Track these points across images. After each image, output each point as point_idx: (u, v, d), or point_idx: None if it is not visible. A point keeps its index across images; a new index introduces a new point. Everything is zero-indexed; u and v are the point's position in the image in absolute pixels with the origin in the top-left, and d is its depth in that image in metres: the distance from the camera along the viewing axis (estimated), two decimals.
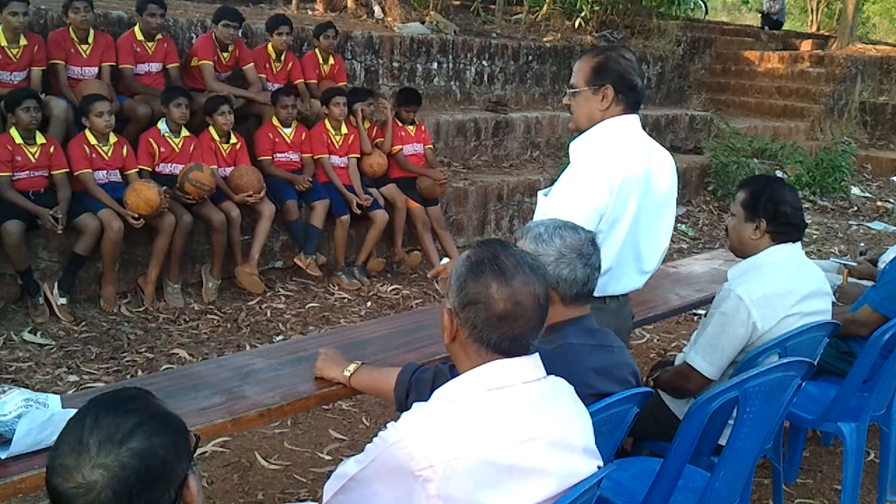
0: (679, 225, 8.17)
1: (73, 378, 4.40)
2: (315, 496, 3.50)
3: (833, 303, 3.11)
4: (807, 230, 4.93)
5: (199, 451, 1.45)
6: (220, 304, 5.58)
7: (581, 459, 1.73)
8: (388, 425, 1.65)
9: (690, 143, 10.18)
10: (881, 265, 4.54)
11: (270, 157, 6.13)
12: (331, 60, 7.06)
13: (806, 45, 14.97)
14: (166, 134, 5.59)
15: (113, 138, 5.33)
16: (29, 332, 4.82)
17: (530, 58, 9.89)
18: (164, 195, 5.17)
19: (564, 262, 2.19)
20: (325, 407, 4.19)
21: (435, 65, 8.82)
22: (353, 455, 3.81)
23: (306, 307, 5.71)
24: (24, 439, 1.98)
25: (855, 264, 4.72)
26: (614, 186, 2.63)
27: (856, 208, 9.77)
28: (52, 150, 5.10)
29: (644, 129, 2.87)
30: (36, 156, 5.03)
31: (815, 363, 2.68)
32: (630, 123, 2.78)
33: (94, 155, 5.24)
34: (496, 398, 1.66)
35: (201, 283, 5.69)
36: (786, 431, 3.55)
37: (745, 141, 10.01)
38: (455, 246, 6.71)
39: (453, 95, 9.07)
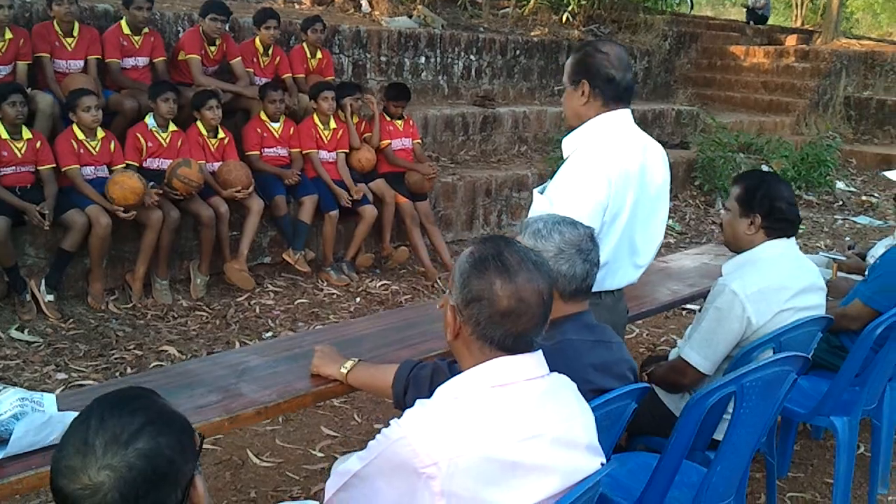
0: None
1: (61, 376, 4.36)
2: (308, 493, 3.50)
3: None
4: None
5: None
6: (208, 301, 5.55)
7: (584, 457, 1.72)
8: (391, 422, 1.64)
9: (677, 137, 10.20)
10: (870, 259, 4.56)
11: (258, 152, 6.10)
12: (318, 55, 7.02)
13: (791, 40, 15.05)
14: (154, 129, 5.54)
15: (100, 133, 5.28)
16: (16, 329, 4.78)
17: (518, 52, 9.88)
18: (145, 182, 5.14)
19: (563, 257, 2.19)
20: (317, 403, 4.17)
21: (423, 59, 8.79)
22: (345, 451, 3.81)
23: (295, 303, 5.69)
24: (22, 440, 1.96)
25: (844, 258, 4.75)
26: (613, 182, 2.63)
27: (841, 203, 9.83)
28: (38, 145, 5.05)
29: None
30: (22, 151, 4.98)
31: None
32: (622, 118, 2.78)
33: (81, 150, 5.19)
34: (499, 395, 1.65)
35: (189, 279, 5.65)
36: (777, 425, 3.57)
37: (731, 136, 10.04)
38: (444, 241, 6.70)
39: (441, 90, 9.05)
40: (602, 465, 1.75)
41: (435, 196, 7.05)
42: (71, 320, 4.99)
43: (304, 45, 6.95)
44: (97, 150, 5.26)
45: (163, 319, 5.21)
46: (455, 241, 7.31)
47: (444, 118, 8.14)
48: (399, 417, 1.65)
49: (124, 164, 5.38)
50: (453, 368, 2.23)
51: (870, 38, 17.73)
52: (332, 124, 6.32)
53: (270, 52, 6.66)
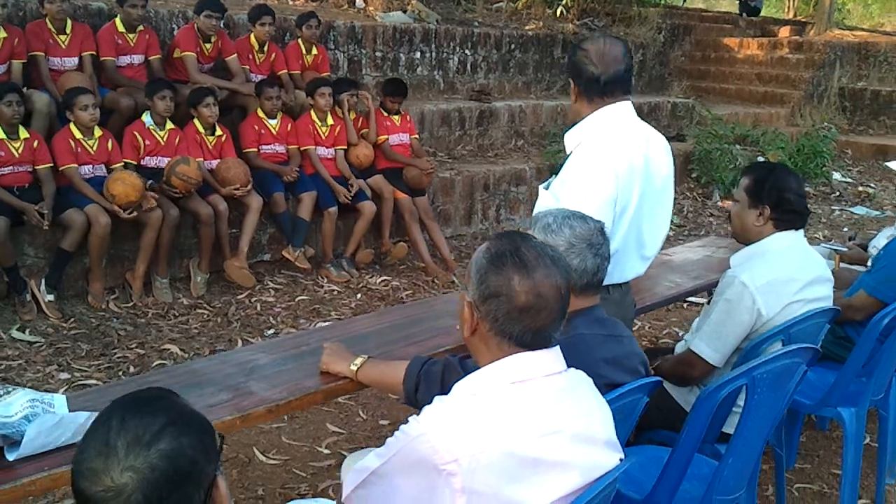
0: None
1: (64, 376, 4.34)
2: (315, 490, 3.49)
3: None
4: None
5: None
6: (209, 299, 5.53)
7: (603, 452, 1.72)
8: (410, 419, 1.63)
9: (673, 130, 10.20)
10: (871, 250, 4.57)
11: (256, 150, 6.07)
12: (314, 51, 7.00)
13: (784, 32, 15.06)
14: (151, 127, 5.51)
15: (98, 132, 5.26)
16: (17, 329, 4.75)
17: (512, 46, 9.86)
18: (144, 181, 5.13)
19: (574, 252, 2.18)
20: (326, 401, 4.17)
21: (418, 54, 8.77)
22: (351, 448, 3.80)
23: (296, 300, 5.67)
24: (34, 442, 1.94)
25: (845, 249, 4.75)
26: (620, 176, 2.62)
27: (838, 193, 9.84)
28: (35, 144, 5.02)
29: None
30: (19, 151, 4.95)
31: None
32: (623, 111, 2.77)
33: (79, 149, 5.16)
34: (518, 391, 1.64)
35: (189, 277, 5.63)
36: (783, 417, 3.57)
37: (727, 128, 10.05)
38: (443, 236, 6.69)
39: (437, 85, 9.03)
40: (620, 460, 1.74)
41: (433, 191, 7.04)
42: (72, 320, 4.97)
43: (300, 41, 6.93)
44: (95, 148, 5.23)
45: (164, 318, 5.19)
46: (454, 236, 7.30)
47: (441, 113, 8.13)
48: (417, 415, 1.64)
49: (122, 163, 5.35)
50: (464, 364, 2.22)
51: (862, 29, 17.73)
52: (330, 120, 6.30)
53: (266, 48, 6.64)
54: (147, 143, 5.50)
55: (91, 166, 5.23)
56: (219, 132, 5.86)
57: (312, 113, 6.26)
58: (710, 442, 2.86)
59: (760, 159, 9.48)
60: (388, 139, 6.59)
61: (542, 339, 1.68)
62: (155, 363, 4.55)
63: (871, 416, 3.57)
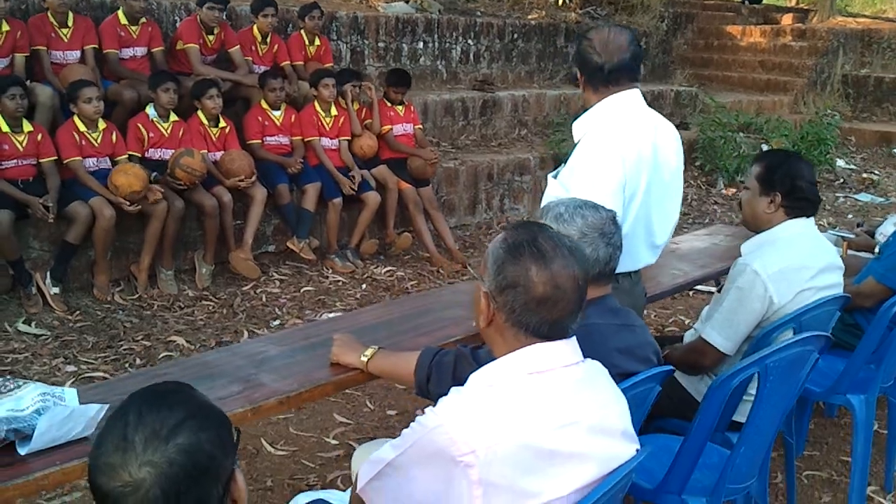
0: None
1: (70, 368, 4.34)
2: (324, 481, 3.49)
3: None
4: None
5: None
6: (214, 290, 5.53)
7: (620, 443, 1.70)
8: (427, 410, 1.62)
9: (676, 118, 10.15)
10: (878, 237, 4.55)
11: (260, 141, 6.06)
12: (317, 41, 6.98)
13: (787, 19, 14.99)
14: (155, 119, 5.50)
15: (102, 125, 5.24)
16: (23, 322, 4.75)
17: (515, 36, 9.82)
18: (149, 173, 5.14)
19: (587, 241, 2.17)
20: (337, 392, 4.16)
21: (421, 44, 8.73)
22: (358, 438, 3.80)
23: (301, 291, 5.66)
24: (45, 435, 1.94)
25: (853, 236, 4.74)
26: (628, 162, 2.61)
27: (842, 180, 9.81)
28: (39, 137, 5.01)
29: None
30: (23, 144, 4.94)
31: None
32: (630, 98, 2.76)
33: (83, 142, 5.15)
34: (536, 382, 1.63)
35: (194, 269, 5.63)
36: None
37: (730, 115, 10.01)
38: (447, 226, 6.68)
39: (440, 75, 9.00)
40: (637, 451, 1.73)
41: (437, 181, 7.02)
42: (77, 312, 4.97)
43: (302, 32, 6.90)
44: (99, 141, 5.22)
45: (169, 310, 5.19)
46: (458, 226, 7.29)
47: (444, 103, 8.10)
48: (433, 406, 1.63)
49: (126, 156, 5.34)
50: (476, 354, 2.21)
51: (865, 16, 17.65)
52: (334, 111, 6.28)
53: (269, 39, 6.61)
54: (151, 135, 5.49)
55: (95, 159, 5.22)
56: (222, 124, 5.84)
57: (316, 104, 6.24)
58: (720, 430, 2.85)
59: (764, 147, 9.45)
60: (391, 129, 6.57)
61: (560, 329, 1.67)
62: (161, 355, 4.55)
63: (879, 403, 3.56)
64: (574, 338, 1.71)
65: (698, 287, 5.31)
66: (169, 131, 5.54)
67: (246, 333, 4.91)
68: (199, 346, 4.70)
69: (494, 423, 1.56)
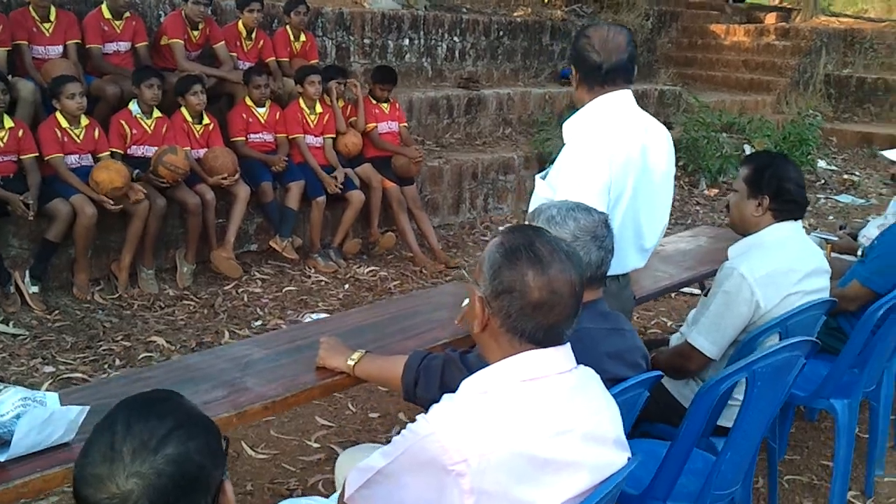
0: None
1: (49, 369, 4.29)
2: (305, 485, 3.46)
3: None
4: None
5: None
6: (195, 290, 5.47)
7: (613, 451, 1.69)
8: (419, 417, 1.60)
9: (661, 118, 10.03)
10: (861, 239, 4.58)
11: (244, 138, 6.01)
12: (302, 38, 6.93)
13: (770, 18, 15.05)
14: (138, 115, 5.44)
15: (84, 121, 5.18)
16: (0, 322, 4.68)
17: (501, 33, 9.80)
18: (131, 170, 5.09)
19: (579, 244, 2.15)
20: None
21: (406, 41, 8.70)
22: (340, 441, 3.76)
23: (283, 291, 5.62)
24: (24, 440, 1.90)
25: (836, 238, 4.76)
26: (616, 163, 2.60)
27: (823, 182, 9.87)
28: (20, 133, 4.93)
29: None
30: (4, 140, 4.86)
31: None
32: (622, 99, 2.76)
33: (65, 139, 5.09)
34: (530, 390, 1.61)
35: (175, 268, 5.57)
36: None
37: (714, 115, 10.04)
38: (431, 226, 6.65)
39: (425, 72, 8.96)
40: (629, 459, 1.72)
41: (421, 180, 6.99)
42: (56, 312, 4.91)
43: (288, 27, 6.85)
44: (81, 137, 5.16)
45: (150, 309, 5.14)
46: (442, 225, 7.27)
47: (429, 101, 8.07)
48: (424, 412, 1.61)
49: (108, 152, 5.28)
50: (465, 359, 2.20)
51: (847, 15, 17.76)
52: (319, 109, 6.24)
53: (254, 35, 6.56)
54: (134, 132, 5.43)
55: (77, 156, 5.15)
56: (206, 121, 5.79)
57: (301, 101, 6.20)
58: (705, 436, 2.85)
59: (747, 147, 9.49)
60: (376, 127, 6.53)
61: (555, 336, 1.65)
62: (141, 356, 4.50)
63: (860, 407, 3.58)
64: (568, 344, 1.70)
65: (684, 289, 5.32)
66: (152, 128, 5.48)
67: (227, 334, 4.87)
68: (179, 346, 4.66)
69: (487, 431, 1.54)
